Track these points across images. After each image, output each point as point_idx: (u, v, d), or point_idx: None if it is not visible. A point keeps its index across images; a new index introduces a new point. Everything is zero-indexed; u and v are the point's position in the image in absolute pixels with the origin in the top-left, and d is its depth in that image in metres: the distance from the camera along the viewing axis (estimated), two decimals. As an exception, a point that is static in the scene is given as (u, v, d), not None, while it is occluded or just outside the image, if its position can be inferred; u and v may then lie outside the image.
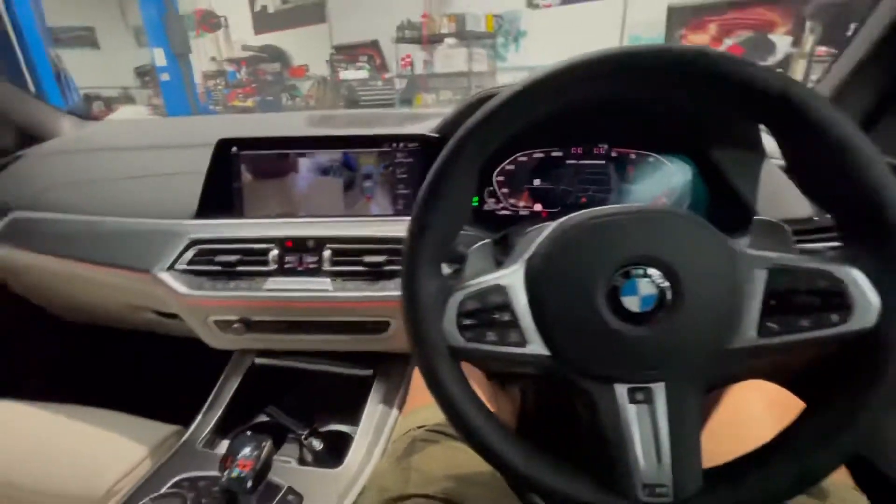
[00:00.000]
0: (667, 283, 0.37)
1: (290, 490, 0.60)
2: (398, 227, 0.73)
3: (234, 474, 0.53)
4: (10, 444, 0.81)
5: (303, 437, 0.75)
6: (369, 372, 0.78)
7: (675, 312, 0.37)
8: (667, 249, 0.37)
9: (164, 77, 4.35)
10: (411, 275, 0.41)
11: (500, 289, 0.41)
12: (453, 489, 0.46)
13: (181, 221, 0.77)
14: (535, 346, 0.40)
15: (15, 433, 0.83)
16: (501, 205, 0.77)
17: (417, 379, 0.69)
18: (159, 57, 4.24)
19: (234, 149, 0.77)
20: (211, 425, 0.74)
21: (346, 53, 5.83)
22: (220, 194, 0.77)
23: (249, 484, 0.53)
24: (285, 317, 0.74)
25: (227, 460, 0.54)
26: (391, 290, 0.70)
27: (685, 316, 0.37)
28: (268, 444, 0.57)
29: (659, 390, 0.39)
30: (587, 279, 0.38)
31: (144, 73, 7.44)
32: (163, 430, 0.83)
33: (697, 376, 0.39)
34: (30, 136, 1.03)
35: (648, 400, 0.39)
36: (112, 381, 1.10)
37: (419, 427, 0.56)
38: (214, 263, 0.73)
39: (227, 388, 0.79)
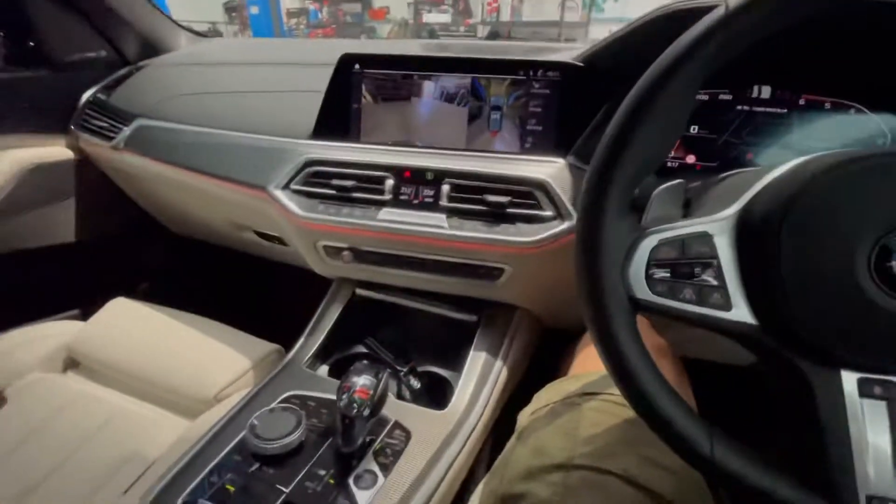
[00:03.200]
0: None
1: (398, 424, 0.59)
2: (525, 168, 0.66)
3: (354, 400, 0.51)
4: (125, 336, 0.87)
5: (402, 373, 0.73)
6: (473, 318, 0.75)
7: None
8: None
9: (254, 10, 4.39)
10: (597, 207, 0.35)
11: (705, 238, 0.34)
12: (634, 468, 0.40)
13: (297, 140, 0.75)
14: (741, 312, 0.33)
15: (130, 328, 0.89)
16: (645, 153, 0.67)
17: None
18: (250, -11, 4.26)
19: (357, 66, 0.72)
20: (313, 349, 0.74)
21: (431, -5, 5.59)
22: (337, 115, 0.73)
23: (367, 412, 0.51)
24: (396, 250, 0.71)
25: (346, 386, 0.53)
26: (511, 234, 0.64)
27: None
28: (385, 375, 0.55)
29: None
30: (845, 236, 0.29)
31: (232, 9, 7.59)
32: (264, 346, 0.85)
33: None
34: (152, 48, 1.05)
35: (889, 396, 0.31)
36: (212, 296, 1.16)
37: (587, 394, 0.50)
38: (329, 187, 0.70)
39: (329, 315, 0.79)
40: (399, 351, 0.77)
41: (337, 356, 0.77)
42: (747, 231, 0.33)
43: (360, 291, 0.81)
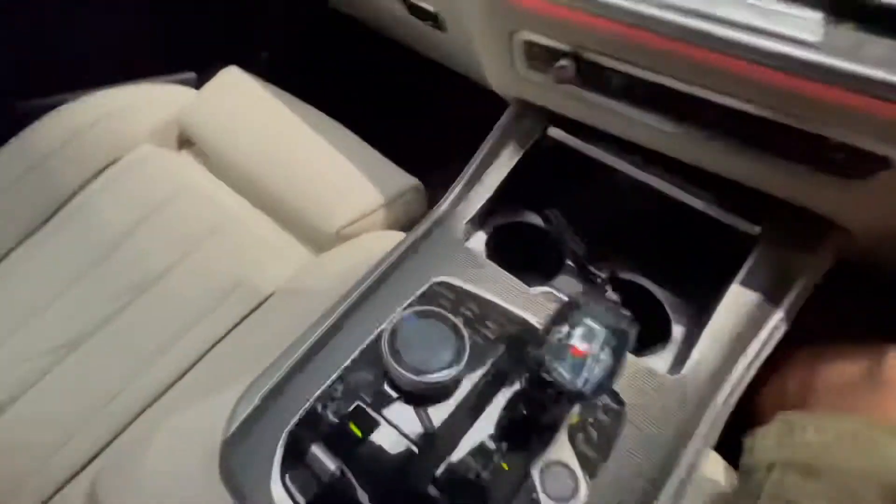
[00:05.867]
0: None
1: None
2: None
3: (567, 359, 0.28)
4: (242, 119, 0.69)
5: (597, 278, 0.48)
6: (752, 230, 0.43)
7: None
8: None
9: None
10: None
11: None
12: None
13: None
14: None
15: (247, 111, 0.70)
16: None
17: None
18: None
19: None
20: (475, 209, 0.49)
21: None
22: None
23: (591, 390, 0.28)
24: (685, 79, 0.37)
25: (552, 325, 0.29)
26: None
27: None
28: (635, 327, 0.30)
29: None
30: None
31: None
32: (401, 178, 0.64)
33: None
34: None
35: None
36: (338, 87, 0.92)
37: None
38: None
39: (501, 160, 0.51)
40: (594, 241, 0.50)
41: (498, 221, 0.53)
42: None
43: (554, 132, 0.51)
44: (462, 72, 0.68)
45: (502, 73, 0.48)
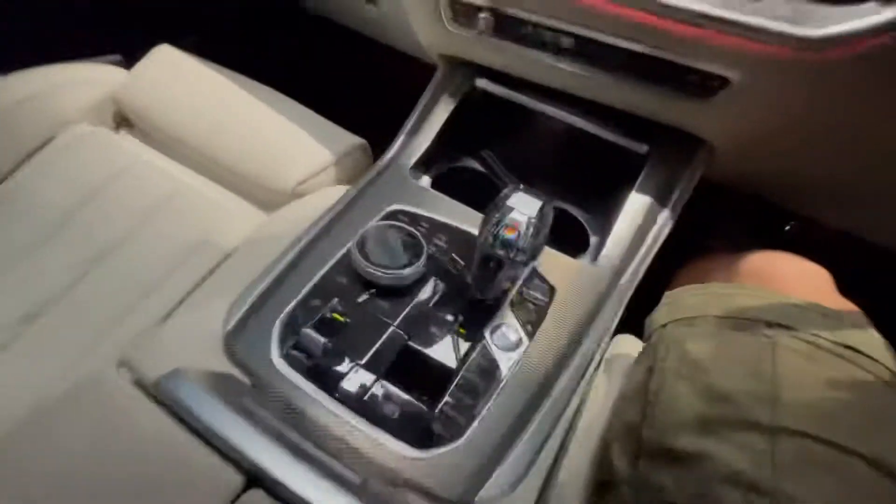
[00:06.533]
0: None
1: (537, 273, 0.45)
2: None
3: (507, 240, 0.36)
4: (181, 97, 0.71)
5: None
6: (641, 149, 0.53)
7: None
8: None
9: None
10: None
11: None
12: (890, 454, 0.28)
13: None
14: None
15: (185, 87, 0.71)
16: None
17: None
18: None
19: None
20: (420, 153, 0.56)
21: None
22: None
23: (523, 257, 0.36)
24: (573, 23, 0.45)
25: (495, 216, 0.37)
26: (787, 21, 0.38)
27: None
28: (550, 208, 0.38)
29: None
30: None
31: None
32: (347, 138, 0.69)
33: None
34: None
35: None
36: (271, 63, 0.94)
37: (783, 326, 0.35)
38: None
39: (438, 110, 0.58)
40: (523, 174, 0.59)
41: (442, 167, 0.60)
42: None
43: (482, 83, 0.58)
44: (392, 44, 0.75)
45: (431, 31, 0.55)
